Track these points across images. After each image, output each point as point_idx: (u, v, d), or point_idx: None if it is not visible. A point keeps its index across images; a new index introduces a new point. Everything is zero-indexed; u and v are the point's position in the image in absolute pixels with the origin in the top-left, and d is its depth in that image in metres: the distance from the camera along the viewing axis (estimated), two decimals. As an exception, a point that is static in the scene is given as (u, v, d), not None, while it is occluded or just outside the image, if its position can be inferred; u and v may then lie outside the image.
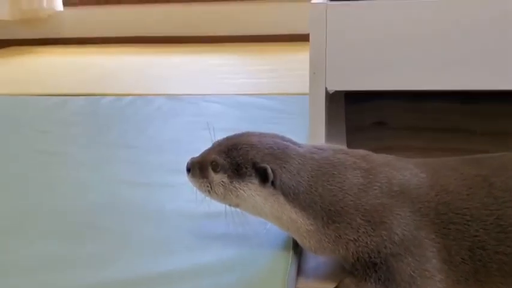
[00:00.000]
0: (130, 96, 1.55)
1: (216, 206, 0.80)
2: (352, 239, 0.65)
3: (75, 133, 1.24)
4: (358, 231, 0.65)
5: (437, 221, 0.65)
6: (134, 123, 1.30)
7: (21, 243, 0.76)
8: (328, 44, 0.82)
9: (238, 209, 0.70)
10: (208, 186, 0.69)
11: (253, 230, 0.76)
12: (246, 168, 0.66)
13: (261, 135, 0.70)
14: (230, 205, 0.69)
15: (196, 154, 1.02)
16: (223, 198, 0.69)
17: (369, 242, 0.65)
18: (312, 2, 0.81)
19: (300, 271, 0.73)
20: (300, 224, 0.66)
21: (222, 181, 0.67)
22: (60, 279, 0.68)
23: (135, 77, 1.87)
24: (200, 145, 1.11)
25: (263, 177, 0.65)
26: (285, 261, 0.69)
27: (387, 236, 0.64)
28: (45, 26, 2.57)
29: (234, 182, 0.67)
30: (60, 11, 2.47)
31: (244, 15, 2.46)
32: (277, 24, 2.45)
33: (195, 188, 0.71)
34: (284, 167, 0.65)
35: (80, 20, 2.56)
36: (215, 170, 0.68)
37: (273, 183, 0.65)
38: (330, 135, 1.05)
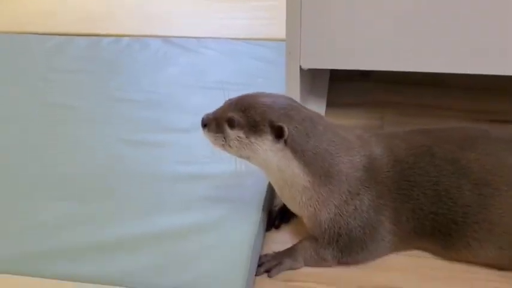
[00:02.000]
0: (128, 38, 1.60)
1: (204, 168, 0.93)
2: (336, 204, 0.76)
3: (75, 82, 1.33)
4: (341, 198, 0.76)
5: (391, 188, 0.76)
6: (131, 72, 1.38)
7: (26, 205, 0.88)
8: (302, 25, 0.88)
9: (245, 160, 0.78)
10: (223, 141, 0.77)
11: (231, 193, 0.89)
12: (264, 125, 0.74)
13: (273, 96, 0.78)
14: (241, 157, 0.78)
15: (190, 111, 1.13)
16: (236, 152, 0.77)
17: (344, 211, 0.76)
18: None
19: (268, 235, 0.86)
20: (300, 178, 0.76)
21: (238, 136, 0.76)
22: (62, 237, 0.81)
23: (134, 13, 1.89)
24: (193, 101, 1.22)
25: (278, 134, 0.73)
26: (255, 223, 0.82)
27: (359, 205, 0.76)
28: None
29: (251, 138, 0.75)
30: None
31: None
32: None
33: (206, 142, 0.79)
34: (296, 127, 0.74)
35: None
36: (232, 126, 0.76)
37: (285, 140, 0.74)
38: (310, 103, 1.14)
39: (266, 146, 0.75)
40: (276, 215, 0.90)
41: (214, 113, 0.78)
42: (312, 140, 0.75)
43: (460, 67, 0.89)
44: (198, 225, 0.82)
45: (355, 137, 0.80)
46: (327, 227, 0.77)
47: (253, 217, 0.83)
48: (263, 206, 0.86)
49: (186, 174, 0.94)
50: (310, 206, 0.78)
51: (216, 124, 0.77)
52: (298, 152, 0.74)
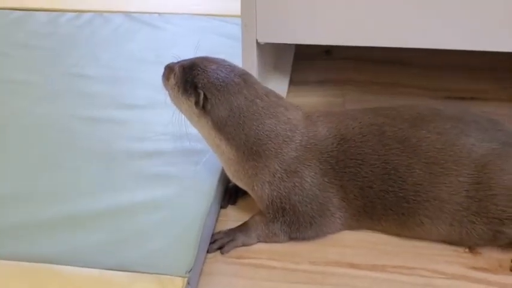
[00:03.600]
0: (90, 13, 1.56)
1: (158, 145, 0.91)
2: (267, 180, 0.77)
3: (34, 58, 1.29)
4: (274, 176, 0.76)
5: (336, 167, 0.76)
6: (90, 47, 1.34)
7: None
8: (257, -2, 0.86)
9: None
10: (167, 86, 0.82)
11: (185, 170, 0.87)
12: (190, 87, 0.77)
13: (221, 65, 0.79)
14: (180, 111, 0.81)
15: (146, 87, 1.11)
16: (173, 101, 0.82)
17: (282, 188, 0.76)
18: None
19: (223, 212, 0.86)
20: (223, 150, 0.78)
21: (173, 87, 0.80)
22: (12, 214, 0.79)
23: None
24: (151, 77, 1.19)
25: (197, 100, 0.76)
26: (207, 201, 0.81)
27: (299, 183, 0.76)
28: None
29: (179, 93, 0.79)
30: None
31: None
32: None
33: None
34: (219, 99, 0.75)
35: None
36: (173, 77, 0.80)
37: (204, 108, 0.76)
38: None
39: (188, 107, 0.78)
40: (231, 191, 0.89)
41: (174, 63, 0.83)
42: (236, 116, 0.75)
43: (420, 42, 0.88)
44: (150, 202, 0.81)
45: (303, 117, 0.79)
46: (268, 202, 0.77)
47: (206, 194, 0.83)
48: (217, 182, 0.85)
49: (140, 151, 0.92)
50: (241, 179, 0.79)
51: (167, 72, 0.82)
52: (218, 124, 0.76)
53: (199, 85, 0.76)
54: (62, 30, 1.45)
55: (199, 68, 0.78)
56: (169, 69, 0.82)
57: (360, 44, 0.90)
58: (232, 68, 0.79)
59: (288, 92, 1.18)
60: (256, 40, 0.89)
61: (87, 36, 1.41)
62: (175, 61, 0.82)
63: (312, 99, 1.17)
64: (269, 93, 0.79)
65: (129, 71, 1.21)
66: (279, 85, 1.18)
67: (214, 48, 1.32)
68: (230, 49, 1.30)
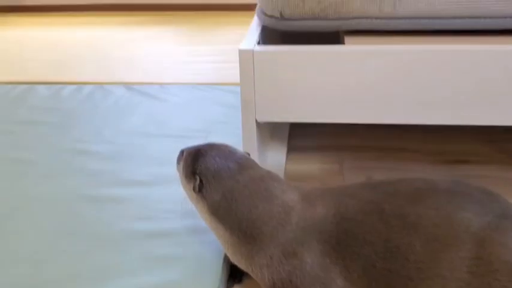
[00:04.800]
0: (90, 85, 1.61)
1: (163, 225, 0.93)
2: (265, 264, 0.77)
3: (37, 134, 1.32)
4: (271, 259, 0.77)
5: (337, 247, 0.77)
6: (93, 122, 1.37)
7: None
8: (256, 82, 0.90)
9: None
10: (177, 170, 0.87)
11: (190, 251, 0.88)
12: (191, 172, 0.82)
13: (221, 151, 0.83)
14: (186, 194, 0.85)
15: (150, 163, 1.15)
16: (181, 184, 0.85)
17: (281, 271, 0.77)
18: (240, 48, 0.88)
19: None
20: (220, 233, 0.80)
21: (181, 172, 0.85)
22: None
23: (96, 59, 1.90)
24: (154, 152, 1.22)
25: (194, 184, 0.80)
26: (214, 283, 0.82)
27: (299, 265, 0.77)
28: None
29: (184, 178, 0.84)
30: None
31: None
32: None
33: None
34: (213, 184, 0.79)
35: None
36: (182, 162, 0.85)
37: (201, 192, 0.80)
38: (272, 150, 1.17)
39: (189, 191, 0.83)
40: (237, 269, 0.90)
41: (185, 148, 0.87)
42: (229, 200, 0.78)
43: (408, 119, 0.92)
44: (156, 286, 0.82)
45: (300, 198, 0.81)
46: (269, 284, 0.78)
47: (212, 275, 0.83)
48: (223, 262, 0.86)
49: (145, 231, 0.93)
50: (239, 262, 0.80)
51: (179, 157, 0.87)
52: (212, 208, 0.79)
53: (197, 170, 0.81)
54: (64, 105, 1.49)
55: (200, 154, 0.83)
56: (180, 154, 0.87)
57: (350, 121, 0.94)
58: (231, 153, 0.82)
59: (287, 160, 1.21)
60: (256, 119, 0.93)
61: (89, 110, 1.45)
62: (190, 146, 0.87)
63: (309, 167, 1.19)
64: (264, 176, 0.82)
65: (132, 146, 1.24)
66: (277, 154, 1.21)
67: (214, 117, 1.37)
68: (229, 118, 1.36)
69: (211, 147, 0.84)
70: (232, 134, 1.24)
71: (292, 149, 1.26)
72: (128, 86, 1.60)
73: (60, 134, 1.32)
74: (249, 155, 0.86)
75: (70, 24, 2.40)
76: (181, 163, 0.85)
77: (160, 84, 1.61)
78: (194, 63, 1.81)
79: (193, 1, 2.47)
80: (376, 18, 0.91)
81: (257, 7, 1.07)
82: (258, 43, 0.94)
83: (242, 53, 0.89)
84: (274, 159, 1.19)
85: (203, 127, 1.32)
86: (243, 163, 0.81)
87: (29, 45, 2.10)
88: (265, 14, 0.98)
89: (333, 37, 1.02)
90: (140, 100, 1.50)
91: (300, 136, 1.32)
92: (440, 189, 0.80)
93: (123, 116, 1.40)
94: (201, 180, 0.80)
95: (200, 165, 0.81)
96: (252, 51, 0.88)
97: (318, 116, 0.92)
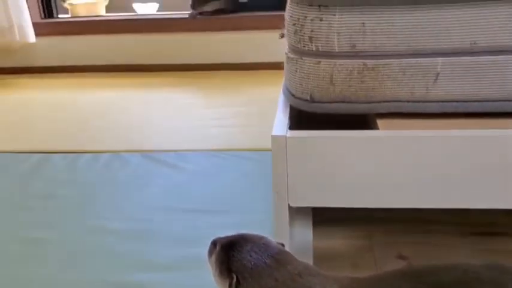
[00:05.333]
0: (106, 154, 1.59)
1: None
2: None
3: (54, 210, 1.29)
4: None
5: None
6: (111, 195, 1.35)
7: None
8: (288, 168, 0.89)
9: None
10: (209, 263, 0.83)
11: None
12: (225, 268, 0.78)
13: (256, 244, 0.80)
14: None
15: (172, 242, 1.11)
16: (214, 278, 0.81)
17: None
18: (273, 134, 0.87)
19: None
20: None
21: (213, 266, 0.81)
22: None
23: (109, 125, 1.90)
24: (175, 229, 1.19)
25: (230, 282, 0.76)
26: None
27: None
28: (17, 56, 2.57)
29: (217, 273, 0.79)
30: (32, 42, 2.47)
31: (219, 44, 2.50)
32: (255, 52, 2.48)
33: None
34: (251, 283, 0.75)
35: (52, 49, 2.57)
36: (211, 254, 0.82)
37: None
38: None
39: (222, 287, 0.79)
40: None
41: (217, 239, 0.83)
42: None
43: (441, 203, 0.91)
44: None
45: None
46: None
47: None
48: None
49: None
50: None
51: (210, 249, 0.83)
52: None
53: (233, 268, 0.77)
54: (81, 176, 1.47)
55: (235, 249, 0.79)
56: (212, 245, 0.84)
57: (385, 206, 0.92)
58: (266, 246, 0.80)
59: (314, 234, 1.18)
60: (288, 204, 0.91)
61: (107, 181, 1.43)
62: (221, 236, 0.83)
63: (338, 242, 1.16)
64: (302, 272, 0.79)
65: (153, 223, 1.21)
66: (303, 229, 1.18)
67: (233, 188, 1.35)
68: (248, 189, 1.34)
69: (245, 240, 0.81)
70: (255, 209, 1.23)
71: (319, 222, 1.23)
72: (144, 154, 1.58)
73: (78, 210, 1.29)
74: (283, 245, 0.84)
75: (81, 86, 2.41)
76: (214, 257, 0.82)
77: (176, 151, 1.60)
78: (209, 127, 1.80)
79: (205, 61, 2.50)
80: (408, 101, 0.91)
81: (283, 85, 1.07)
82: (289, 127, 0.93)
83: (275, 139, 0.87)
84: (300, 235, 1.16)
85: (223, 200, 1.30)
86: (280, 258, 0.79)
87: (40, 110, 2.10)
88: (294, 96, 0.98)
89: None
90: (157, 169, 1.48)
91: (326, 207, 1.29)
92: (483, 279, 0.78)
93: (141, 188, 1.38)
94: (237, 279, 0.77)
95: (236, 262, 0.78)
96: (285, 137, 0.87)
97: (353, 201, 0.90)
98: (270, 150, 1.53)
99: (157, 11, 2.97)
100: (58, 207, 1.31)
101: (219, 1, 2.47)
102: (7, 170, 1.54)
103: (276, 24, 2.43)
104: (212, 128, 1.79)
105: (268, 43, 2.43)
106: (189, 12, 2.49)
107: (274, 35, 2.40)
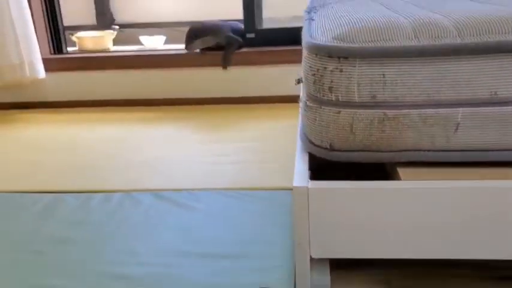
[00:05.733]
0: (118, 194, 1.59)
1: None
2: None
3: (67, 255, 1.28)
4: None
5: None
6: (125, 238, 1.34)
7: None
8: (310, 219, 0.88)
9: None
10: None
11: None
12: None
13: None
14: None
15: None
16: None
17: None
18: (294, 185, 0.87)
19: None
20: None
21: None
22: None
23: (119, 163, 1.90)
24: (193, 277, 1.17)
25: None
26: None
27: None
28: (27, 91, 2.59)
29: None
30: (42, 78, 2.49)
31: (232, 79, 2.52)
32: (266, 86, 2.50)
33: None
34: None
35: (61, 84, 2.59)
36: None
37: None
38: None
39: None
40: None
41: None
42: None
43: (472, 254, 0.90)
44: None
45: None
46: None
47: None
48: None
49: None
50: None
51: None
52: None
53: None
54: (93, 217, 1.46)
55: None
56: None
57: (410, 257, 0.91)
58: None
59: (331, 280, 1.16)
60: (310, 256, 0.90)
61: (120, 223, 1.42)
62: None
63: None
64: None
65: (169, 267, 1.20)
66: (320, 273, 1.17)
67: (247, 231, 1.34)
68: (263, 232, 1.33)
69: None
70: (273, 254, 1.21)
71: (336, 266, 1.22)
72: (155, 193, 1.58)
73: (92, 254, 1.28)
74: None
75: (90, 121, 2.42)
76: None
77: (188, 190, 1.59)
78: (220, 163, 1.80)
79: (213, 95, 2.51)
80: (429, 150, 0.91)
81: (299, 131, 1.07)
82: (310, 177, 0.93)
83: (297, 190, 0.87)
84: (318, 281, 1.14)
85: (241, 243, 1.29)
86: None
87: (50, 147, 2.11)
88: (313, 143, 0.98)
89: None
90: (170, 209, 1.47)
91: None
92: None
93: (155, 230, 1.37)
94: None
95: None
96: (307, 188, 0.87)
97: (378, 252, 0.89)
98: (285, 188, 1.55)
99: (164, 43, 2.99)
100: (70, 251, 1.30)
101: (212, 37, 2.48)
102: (19, 210, 1.53)
103: (284, 59, 2.47)
104: (223, 165, 1.79)
105: (275, 77, 2.46)
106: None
107: (281, 69, 2.44)
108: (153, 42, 2.94)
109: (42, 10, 2.60)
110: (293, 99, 2.40)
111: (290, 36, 2.48)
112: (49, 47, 2.66)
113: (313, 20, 1.13)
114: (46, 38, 2.64)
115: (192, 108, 2.51)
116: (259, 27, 2.57)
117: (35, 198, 1.60)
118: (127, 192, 1.60)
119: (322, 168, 1.07)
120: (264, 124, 2.20)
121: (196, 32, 2.50)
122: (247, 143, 1.99)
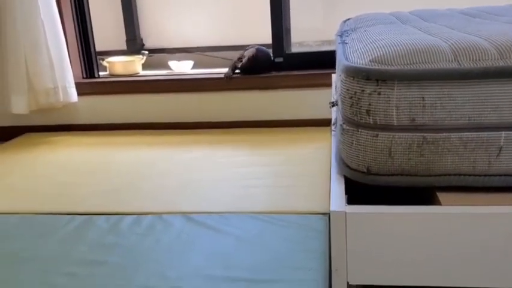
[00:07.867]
0: (149, 216, 1.59)
1: None
2: None
3: (100, 278, 1.28)
4: None
5: None
6: (156, 262, 1.33)
7: None
8: (348, 245, 0.86)
9: None
10: None
11: None
12: None
13: None
14: None
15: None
16: None
17: None
18: (332, 209, 0.86)
19: None
20: None
21: None
22: None
23: (153, 185, 1.91)
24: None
25: None
26: None
27: None
28: (59, 114, 2.65)
29: None
30: (75, 102, 2.54)
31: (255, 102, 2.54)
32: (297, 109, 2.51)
33: None
34: None
35: (93, 107, 2.64)
36: None
37: None
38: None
39: None
40: None
41: None
42: None
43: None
44: None
45: None
46: None
47: None
48: None
49: None
50: None
51: None
52: None
53: None
54: (125, 240, 1.46)
55: None
56: None
57: (444, 284, 0.88)
58: None
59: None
60: (348, 282, 0.88)
61: (151, 245, 1.42)
62: None
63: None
64: None
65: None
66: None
67: (281, 257, 1.32)
68: (297, 258, 1.31)
69: None
70: (304, 280, 1.19)
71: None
72: (186, 216, 1.58)
73: (124, 278, 1.27)
74: None
75: (121, 145, 2.45)
76: None
77: (218, 213, 1.59)
78: (251, 187, 1.79)
79: (242, 118, 2.53)
80: (469, 175, 0.89)
81: (334, 154, 1.06)
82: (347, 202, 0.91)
83: (334, 215, 0.86)
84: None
85: (271, 268, 1.27)
86: None
87: (81, 169, 2.14)
88: (349, 167, 0.96)
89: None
90: (201, 233, 1.47)
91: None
92: None
93: (186, 254, 1.36)
94: None
95: None
96: (345, 213, 0.85)
97: (417, 279, 0.87)
98: (316, 213, 1.53)
99: (192, 68, 3.04)
100: (102, 274, 1.30)
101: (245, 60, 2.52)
102: (50, 232, 1.54)
103: (312, 82, 2.47)
104: (254, 188, 1.78)
105: (303, 101, 2.46)
106: (225, 72, 2.55)
107: (309, 92, 2.45)
108: (181, 67, 2.98)
109: (76, 36, 2.67)
110: (322, 122, 2.39)
111: (318, 60, 2.49)
112: (81, 71, 2.73)
113: (346, 43, 1.13)
114: (79, 62, 2.71)
115: (221, 132, 2.52)
116: (287, 52, 2.58)
117: (66, 219, 1.61)
118: (158, 214, 1.61)
119: (349, 191, 1.05)
120: (294, 147, 2.19)
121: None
122: (276, 166, 1.98)
